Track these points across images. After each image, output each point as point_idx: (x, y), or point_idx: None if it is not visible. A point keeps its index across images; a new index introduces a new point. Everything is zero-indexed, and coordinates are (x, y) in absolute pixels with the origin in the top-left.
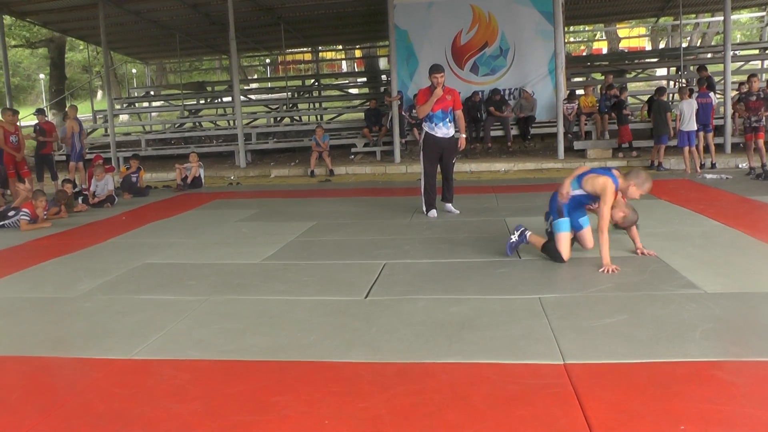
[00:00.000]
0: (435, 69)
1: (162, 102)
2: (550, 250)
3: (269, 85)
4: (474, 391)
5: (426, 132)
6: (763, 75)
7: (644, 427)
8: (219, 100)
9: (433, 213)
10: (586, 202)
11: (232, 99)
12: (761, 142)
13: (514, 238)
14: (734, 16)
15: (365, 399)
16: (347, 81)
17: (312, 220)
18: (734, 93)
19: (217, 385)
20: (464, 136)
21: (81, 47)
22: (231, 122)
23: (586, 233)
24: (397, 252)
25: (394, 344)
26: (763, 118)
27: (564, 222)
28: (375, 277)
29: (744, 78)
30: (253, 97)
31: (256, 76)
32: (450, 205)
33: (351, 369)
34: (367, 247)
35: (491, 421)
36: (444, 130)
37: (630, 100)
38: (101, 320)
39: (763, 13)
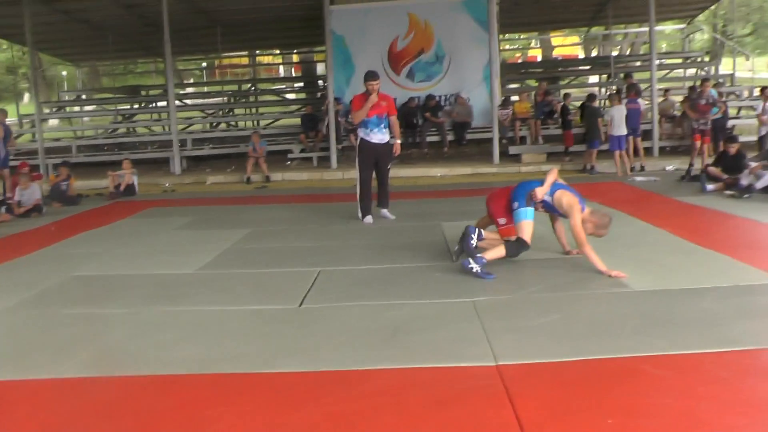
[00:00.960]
0: (370, 76)
1: (94, 106)
2: (511, 243)
3: (205, 89)
4: (408, 395)
5: (361, 138)
6: (686, 83)
7: (573, 423)
8: (154, 104)
9: (369, 219)
10: (546, 208)
11: (168, 103)
12: (706, 147)
13: (476, 267)
14: (659, 27)
15: (300, 408)
16: (284, 86)
17: (248, 227)
18: (680, 98)
19: (148, 401)
20: (399, 141)
21: (4, 47)
22: (166, 127)
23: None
24: (332, 258)
25: (328, 352)
26: (709, 121)
27: (530, 210)
28: (310, 285)
29: (669, 85)
30: (188, 101)
31: (192, 80)
32: (386, 210)
33: (286, 379)
34: (302, 254)
35: (425, 424)
36: (379, 136)
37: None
38: (26, 337)
39: (684, 25)
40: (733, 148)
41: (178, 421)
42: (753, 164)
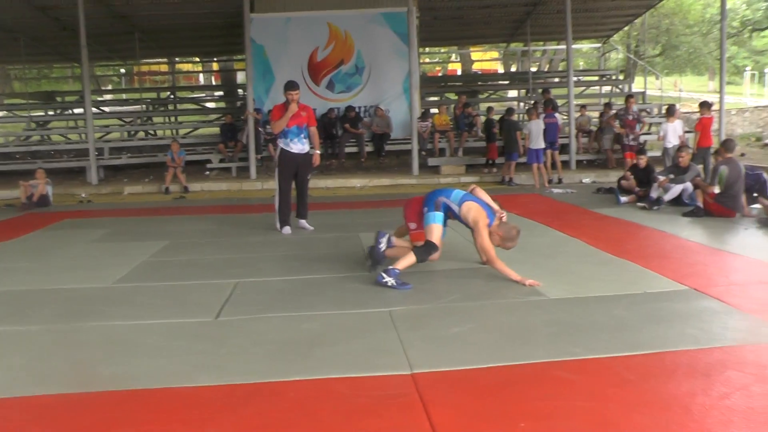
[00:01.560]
0: (290, 86)
1: (5, 112)
2: (419, 247)
3: (124, 96)
4: (322, 407)
5: (281, 148)
6: (602, 99)
7: (486, 428)
8: (70, 111)
9: (287, 230)
10: (454, 217)
11: (84, 110)
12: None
13: (390, 281)
14: (576, 45)
15: (213, 424)
16: (204, 94)
17: (165, 239)
18: (596, 114)
19: (60, 422)
20: (319, 152)
21: None
22: (82, 135)
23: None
24: (250, 270)
25: (244, 365)
26: (639, 137)
27: (439, 215)
28: (227, 297)
29: (586, 101)
30: (106, 109)
31: (110, 87)
32: (304, 221)
33: (200, 393)
34: (220, 266)
35: None
36: (299, 146)
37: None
38: None
39: (600, 45)
40: (642, 161)
41: None
42: (661, 178)
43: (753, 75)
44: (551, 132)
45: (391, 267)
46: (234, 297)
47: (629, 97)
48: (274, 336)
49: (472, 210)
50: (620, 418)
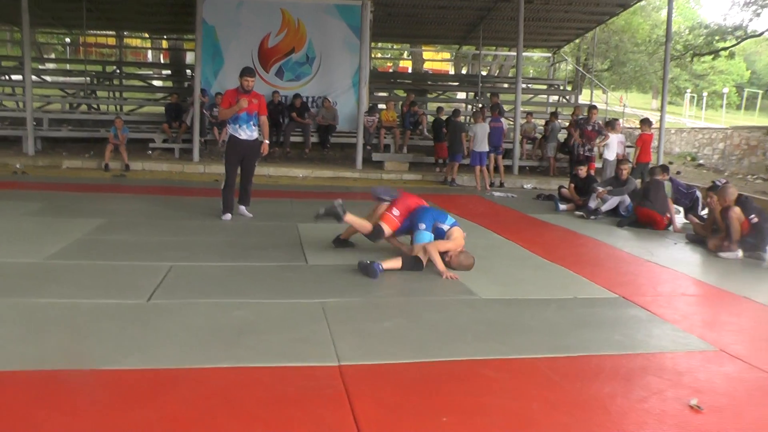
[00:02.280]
0: (247, 72)
1: None
2: (409, 258)
3: (67, 67)
4: (247, 395)
5: (230, 134)
6: (548, 108)
7: (409, 421)
8: (7, 77)
9: (228, 216)
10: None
11: (23, 78)
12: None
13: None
14: (527, 53)
15: (134, 408)
16: (151, 72)
17: (102, 217)
18: (542, 122)
19: None
20: (267, 141)
21: None
22: (20, 104)
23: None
24: (185, 254)
25: (171, 350)
26: (595, 148)
27: (431, 236)
28: (160, 280)
29: (533, 108)
30: (47, 78)
31: (53, 56)
32: (245, 208)
33: (124, 376)
34: (155, 248)
35: (261, 424)
36: (248, 133)
37: (430, 118)
38: None
39: (551, 55)
40: (582, 171)
41: (4, 422)
42: (600, 189)
43: (693, 98)
44: (496, 136)
45: (378, 262)
46: (167, 280)
47: (592, 107)
48: (204, 322)
49: (457, 233)
50: (542, 416)
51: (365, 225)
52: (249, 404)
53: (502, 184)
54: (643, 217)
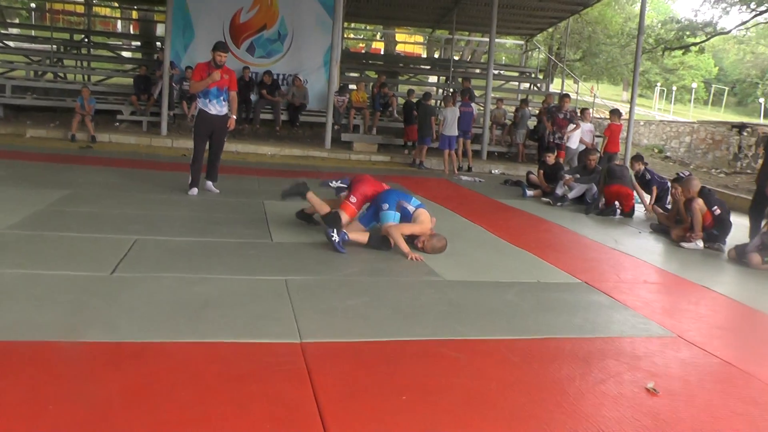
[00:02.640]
0: (221, 47)
1: None
2: (377, 237)
3: (33, 33)
4: (208, 370)
5: (200, 108)
6: (519, 95)
7: (369, 399)
8: None
9: (194, 191)
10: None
11: None
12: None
13: (336, 237)
14: (500, 40)
15: (96, 381)
16: (120, 42)
17: (66, 188)
18: (512, 108)
19: None
20: (234, 117)
21: None
22: None
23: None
24: (150, 228)
25: (134, 323)
26: (566, 136)
27: (398, 216)
28: (124, 253)
29: (503, 95)
30: (11, 44)
31: (17, 21)
32: (212, 183)
33: (86, 349)
34: (120, 221)
35: (221, 398)
36: (217, 108)
37: (400, 101)
38: None
39: (523, 42)
40: (550, 158)
41: None
42: (567, 176)
43: (662, 91)
44: (466, 121)
45: (345, 231)
46: (131, 254)
47: (564, 96)
48: (168, 296)
49: (424, 216)
50: (499, 396)
51: (324, 207)
52: (210, 379)
53: (470, 168)
54: (612, 195)
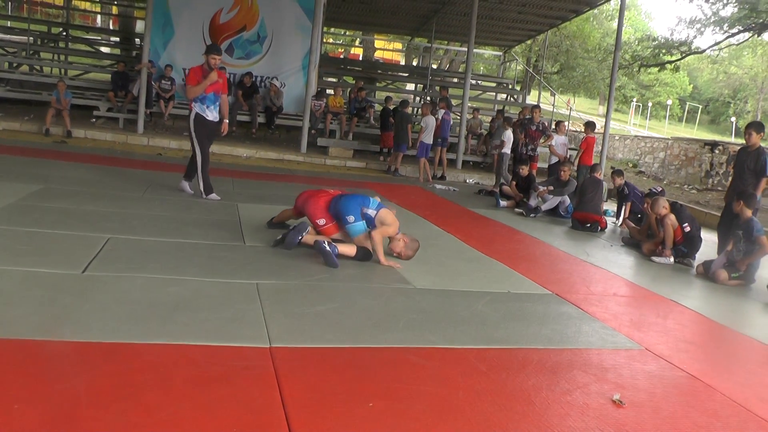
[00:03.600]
0: (214, 50)
1: None
2: (362, 249)
3: (9, 24)
4: (177, 373)
5: (196, 113)
6: (495, 106)
7: (336, 405)
8: None
9: (214, 196)
10: (368, 222)
11: None
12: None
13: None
14: (478, 50)
15: (64, 380)
16: (99, 37)
17: (39, 183)
18: (488, 119)
19: None
20: (227, 120)
21: None
22: None
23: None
24: (124, 227)
25: (104, 323)
26: (538, 147)
27: (364, 225)
28: (97, 251)
29: (480, 105)
30: None
31: None
32: (187, 184)
33: (54, 348)
34: (93, 218)
35: (189, 402)
36: (214, 113)
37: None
38: None
39: (502, 53)
40: (524, 171)
41: None
42: (541, 188)
43: (638, 106)
44: (444, 129)
45: (335, 244)
46: (104, 252)
47: (535, 107)
48: (139, 296)
49: (389, 216)
50: (466, 404)
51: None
52: (179, 382)
53: (444, 177)
54: (581, 219)
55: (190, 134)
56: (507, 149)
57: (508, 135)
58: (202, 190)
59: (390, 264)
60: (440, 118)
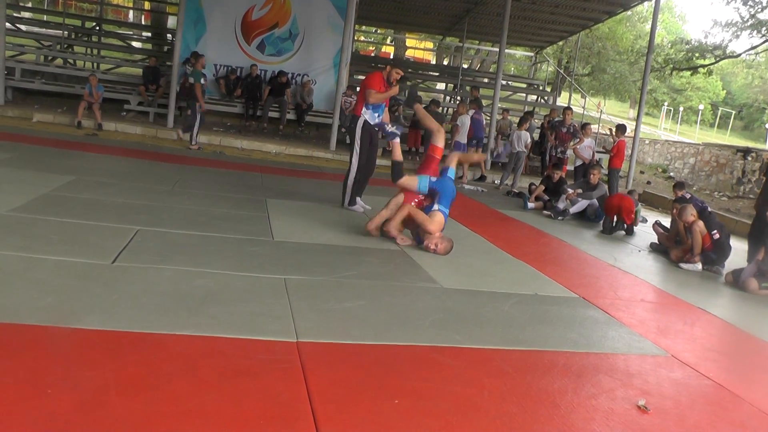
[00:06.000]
0: (401, 66)
1: None
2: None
3: (45, 18)
4: (205, 364)
5: (366, 120)
6: (525, 107)
7: (362, 401)
8: None
9: (359, 207)
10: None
11: None
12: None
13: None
14: (510, 51)
15: (94, 367)
16: (131, 32)
17: (71, 174)
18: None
19: None
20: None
21: None
22: None
23: None
24: (153, 219)
25: (133, 313)
26: (568, 150)
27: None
28: (126, 243)
29: (510, 106)
30: (23, 27)
31: (29, 4)
32: (360, 200)
33: (85, 336)
34: (124, 210)
35: (216, 393)
36: (377, 121)
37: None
38: None
39: (533, 54)
40: (557, 175)
41: None
42: (570, 191)
43: (669, 111)
44: (477, 129)
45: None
46: (133, 243)
47: (567, 109)
48: (168, 288)
49: (439, 218)
50: (491, 405)
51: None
52: (206, 373)
53: (483, 177)
54: (613, 206)
55: (352, 141)
56: (521, 148)
57: (520, 135)
58: (347, 198)
59: (401, 239)
60: (470, 118)
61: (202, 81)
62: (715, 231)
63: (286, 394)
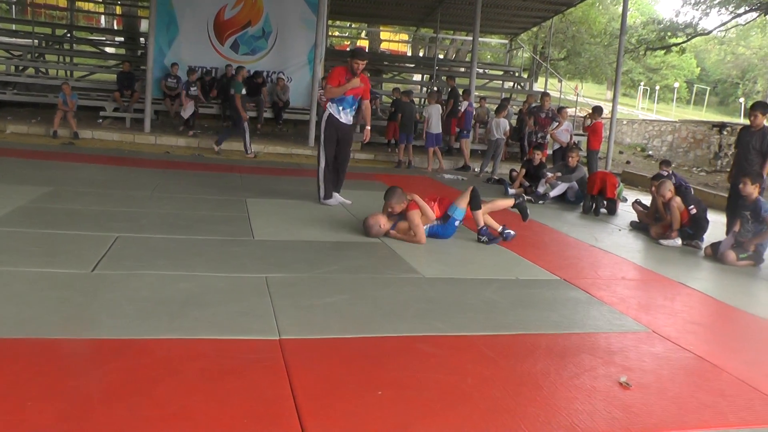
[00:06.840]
0: (360, 55)
1: None
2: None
3: (13, 27)
4: (189, 367)
5: (330, 114)
6: (502, 94)
7: (345, 394)
8: None
9: (333, 201)
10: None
11: None
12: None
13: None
14: (484, 39)
15: (76, 377)
16: (104, 38)
17: (48, 185)
18: (494, 106)
19: None
20: (369, 127)
21: None
22: None
23: None
24: (132, 225)
25: (115, 320)
26: (548, 135)
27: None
28: (105, 250)
29: (487, 93)
30: None
31: None
32: (338, 195)
33: (66, 346)
34: (102, 218)
35: (200, 395)
36: (347, 117)
37: (385, 99)
38: None
39: (508, 41)
40: (538, 157)
41: None
42: (549, 175)
43: (646, 90)
44: (467, 120)
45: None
46: (113, 251)
47: (545, 94)
48: (149, 293)
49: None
50: (474, 391)
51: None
52: (190, 375)
53: (467, 167)
54: (598, 180)
55: (318, 136)
56: (499, 135)
57: (498, 122)
58: (321, 192)
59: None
60: (463, 110)
61: (243, 91)
62: (692, 206)
63: (270, 392)
